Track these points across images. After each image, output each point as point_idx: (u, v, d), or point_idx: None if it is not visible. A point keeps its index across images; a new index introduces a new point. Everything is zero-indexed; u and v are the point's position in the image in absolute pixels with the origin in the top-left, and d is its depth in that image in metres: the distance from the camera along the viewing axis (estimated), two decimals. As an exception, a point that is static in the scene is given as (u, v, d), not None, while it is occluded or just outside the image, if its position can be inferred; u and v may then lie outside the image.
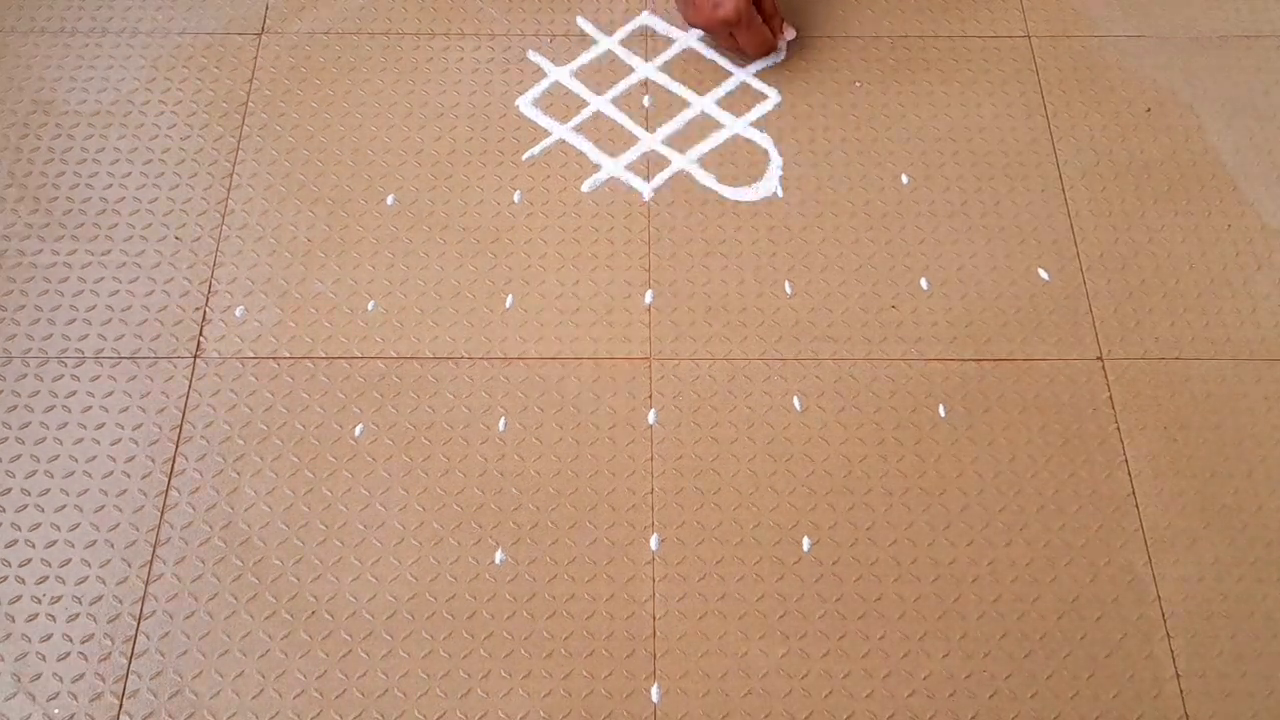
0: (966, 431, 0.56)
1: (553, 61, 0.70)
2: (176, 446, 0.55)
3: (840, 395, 0.57)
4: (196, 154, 0.66)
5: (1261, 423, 0.57)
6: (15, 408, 0.57)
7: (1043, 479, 0.55)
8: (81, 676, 0.50)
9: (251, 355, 0.59)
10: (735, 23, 0.60)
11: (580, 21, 0.71)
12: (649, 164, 0.66)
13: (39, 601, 0.51)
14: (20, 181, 0.64)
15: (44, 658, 0.50)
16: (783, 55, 0.68)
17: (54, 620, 0.51)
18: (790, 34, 0.65)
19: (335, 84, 0.68)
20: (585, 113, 0.68)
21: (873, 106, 0.68)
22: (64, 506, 0.54)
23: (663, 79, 0.69)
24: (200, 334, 0.59)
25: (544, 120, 0.67)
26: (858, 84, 0.69)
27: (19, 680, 0.49)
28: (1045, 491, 0.55)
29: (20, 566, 0.52)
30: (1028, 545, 0.53)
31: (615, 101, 0.68)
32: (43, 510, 0.54)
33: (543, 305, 0.60)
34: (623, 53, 0.70)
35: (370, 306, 0.60)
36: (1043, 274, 0.62)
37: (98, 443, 0.56)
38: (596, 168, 0.65)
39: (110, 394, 0.57)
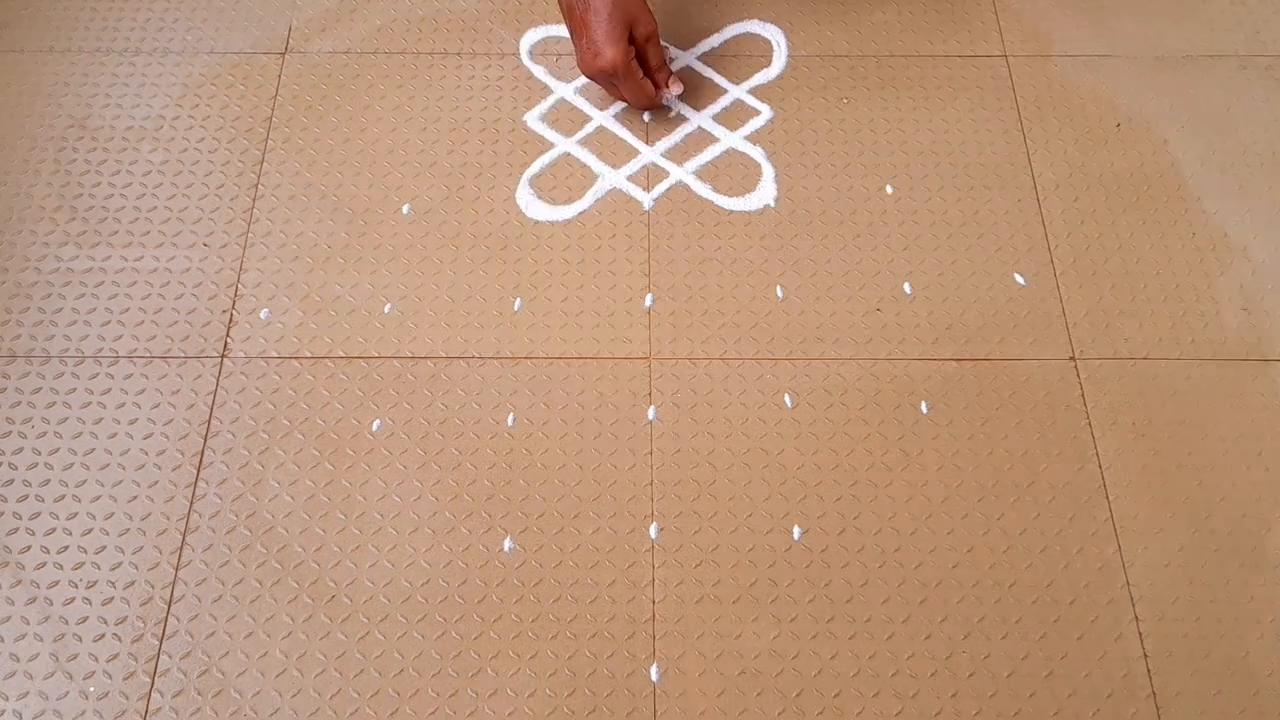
0: (947, 427, 0.57)
1: (558, 79, 0.70)
2: (205, 441, 0.56)
3: (829, 393, 0.58)
4: (224, 166, 0.66)
5: (1224, 419, 0.57)
6: (54, 404, 0.57)
7: (1019, 472, 0.56)
8: (116, 657, 0.50)
9: (275, 355, 0.59)
10: (613, 73, 0.57)
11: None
12: (649, 175, 0.66)
13: (76, 586, 0.52)
14: (59, 193, 0.65)
15: (80, 639, 0.50)
16: (672, 109, 0.63)
17: (90, 604, 0.51)
18: (676, 89, 0.62)
19: (354, 101, 0.69)
20: (589, 127, 0.68)
21: (860, 121, 0.68)
22: (99, 497, 0.54)
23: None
24: (227, 335, 0.60)
25: (550, 134, 0.68)
26: (846, 100, 0.69)
27: (57, 660, 0.50)
28: (1021, 483, 0.55)
29: (59, 553, 0.53)
30: (1004, 534, 0.54)
31: (617, 116, 0.68)
32: (79, 500, 0.54)
33: (549, 308, 0.61)
34: (624, 71, 0.70)
35: (387, 309, 0.61)
36: (1019, 279, 0.62)
37: (131, 437, 0.56)
38: (599, 179, 0.66)
39: (143, 391, 0.58)
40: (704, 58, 0.71)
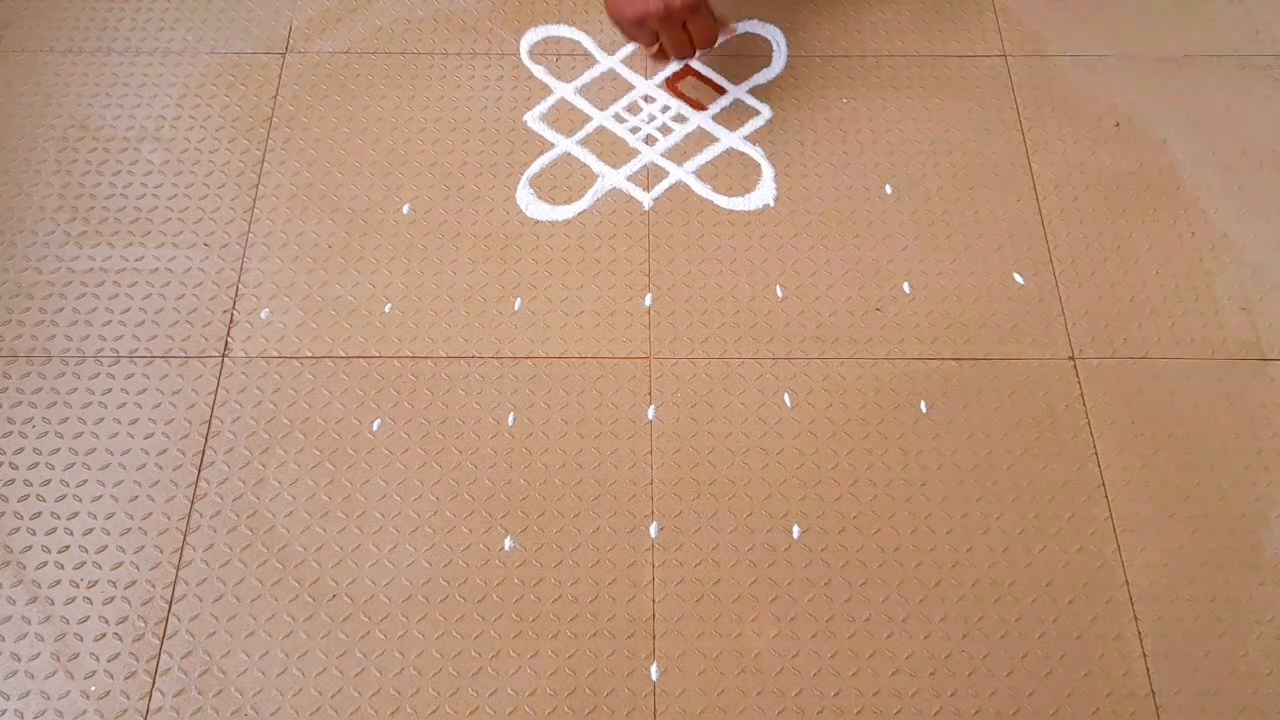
0: (946, 426, 0.56)
1: (558, 79, 0.69)
2: (206, 440, 0.55)
3: (828, 392, 0.57)
4: (224, 166, 0.65)
5: (1223, 418, 0.57)
6: (55, 404, 0.57)
7: (1018, 471, 0.55)
8: (117, 656, 0.50)
9: (276, 355, 0.58)
10: (667, 15, 0.51)
11: (584, 41, 0.71)
12: (649, 175, 0.66)
13: (77, 586, 0.51)
14: (59, 193, 0.64)
15: (81, 638, 0.50)
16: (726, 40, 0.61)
17: (91, 603, 0.51)
18: (732, 28, 0.60)
19: (355, 100, 0.68)
20: (589, 127, 0.67)
21: (859, 121, 0.68)
22: (100, 496, 0.54)
23: (662, 95, 0.69)
24: (228, 334, 0.59)
25: (550, 134, 0.67)
26: (845, 100, 0.69)
27: (58, 659, 0.49)
28: (1020, 483, 0.55)
29: (60, 553, 0.52)
30: (1004, 533, 0.53)
31: (617, 116, 0.68)
32: (80, 500, 0.54)
33: (549, 308, 0.60)
34: (624, 71, 0.70)
35: (388, 309, 0.60)
36: (1018, 278, 0.62)
37: (132, 437, 0.55)
38: (599, 179, 0.65)
39: (143, 391, 0.57)
40: (704, 58, 0.70)
